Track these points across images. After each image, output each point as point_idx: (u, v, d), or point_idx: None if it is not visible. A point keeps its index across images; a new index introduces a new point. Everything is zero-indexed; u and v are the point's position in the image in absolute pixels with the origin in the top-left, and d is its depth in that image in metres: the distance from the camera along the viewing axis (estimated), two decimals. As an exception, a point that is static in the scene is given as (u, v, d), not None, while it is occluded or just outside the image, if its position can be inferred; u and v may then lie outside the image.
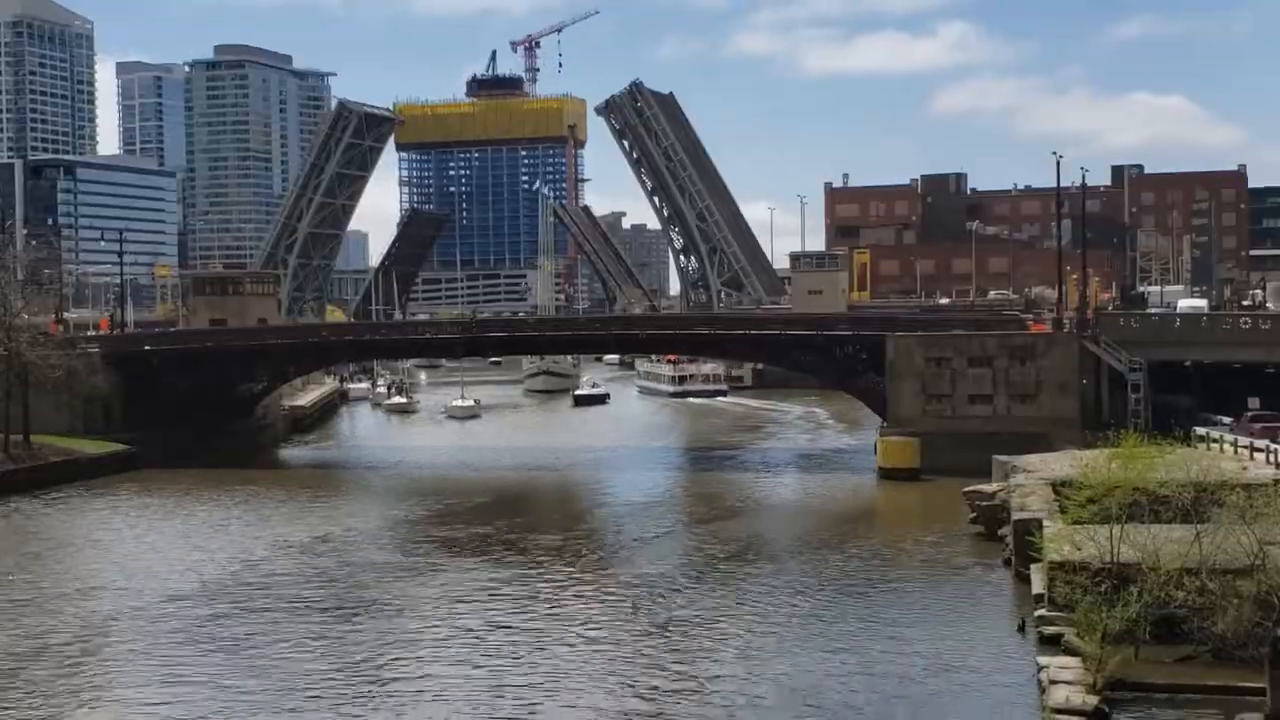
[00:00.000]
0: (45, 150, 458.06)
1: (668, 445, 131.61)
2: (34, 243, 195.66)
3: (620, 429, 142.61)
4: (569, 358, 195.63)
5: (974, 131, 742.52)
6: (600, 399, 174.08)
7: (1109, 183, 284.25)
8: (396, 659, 49.33)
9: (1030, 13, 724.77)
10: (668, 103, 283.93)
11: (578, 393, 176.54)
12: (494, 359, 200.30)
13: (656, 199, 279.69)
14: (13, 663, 49.31)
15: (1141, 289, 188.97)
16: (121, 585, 62.88)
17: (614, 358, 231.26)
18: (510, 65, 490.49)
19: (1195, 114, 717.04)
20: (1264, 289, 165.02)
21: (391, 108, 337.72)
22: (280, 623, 54.99)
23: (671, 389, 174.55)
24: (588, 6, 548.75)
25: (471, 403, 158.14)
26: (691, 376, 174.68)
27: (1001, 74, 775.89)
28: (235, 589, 61.55)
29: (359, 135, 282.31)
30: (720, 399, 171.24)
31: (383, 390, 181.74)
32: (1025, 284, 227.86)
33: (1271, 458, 66.55)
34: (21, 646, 51.59)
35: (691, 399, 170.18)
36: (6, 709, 44.14)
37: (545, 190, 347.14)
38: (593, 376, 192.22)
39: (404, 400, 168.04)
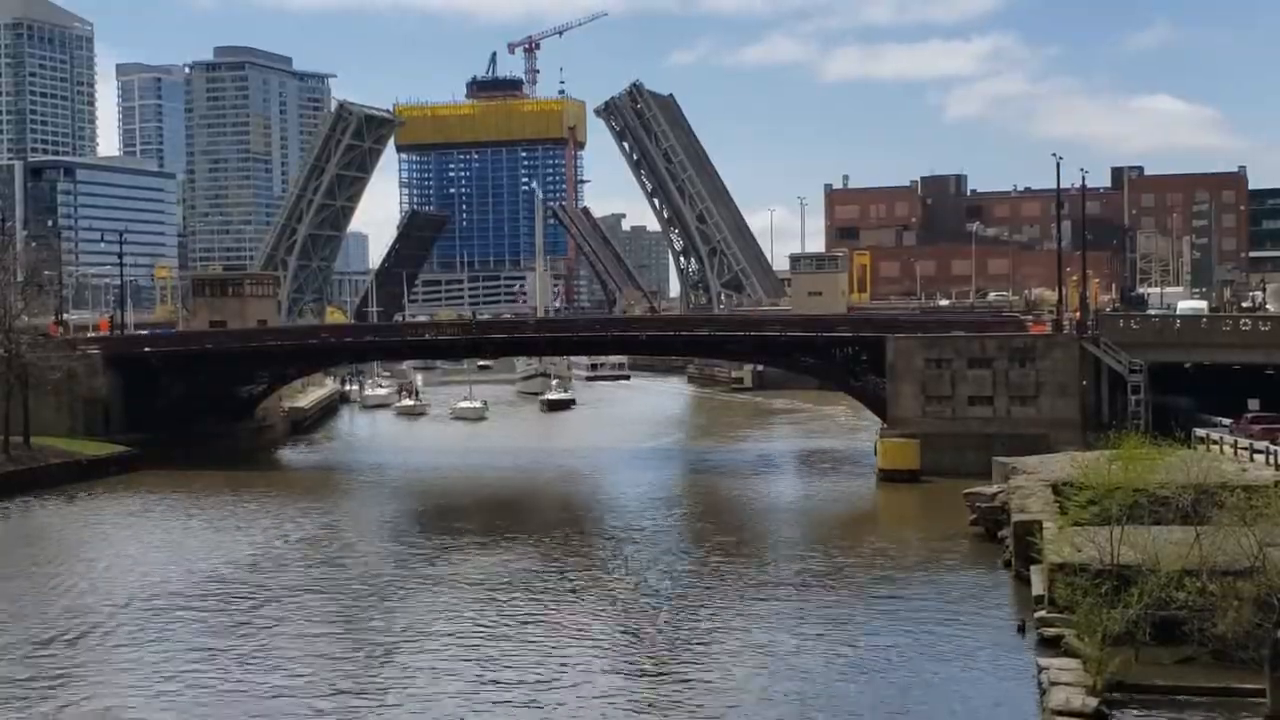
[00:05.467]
0: (45, 151, 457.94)
1: (671, 445, 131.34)
2: (34, 244, 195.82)
3: (621, 429, 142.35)
4: (565, 360, 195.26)
5: (981, 136, 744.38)
6: (566, 404, 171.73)
7: (1109, 184, 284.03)
8: (404, 662, 49.40)
9: (1058, 20, 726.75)
10: (668, 105, 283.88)
11: (546, 397, 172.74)
12: (482, 363, 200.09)
13: (656, 200, 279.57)
14: (16, 661, 49.35)
15: (1141, 290, 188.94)
16: (123, 584, 62.86)
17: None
18: (510, 67, 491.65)
19: (1203, 120, 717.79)
20: (1264, 290, 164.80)
21: (391, 109, 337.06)
22: (282, 620, 55.10)
23: (588, 374, 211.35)
24: (593, 9, 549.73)
25: (479, 404, 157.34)
26: (603, 364, 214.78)
27: (1013, 80, 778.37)
28: (237, 588, 61.56)
29: (359, 137, 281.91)
30: (623, 381, 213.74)
31: (372, 393, 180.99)
32: (1025, 285, 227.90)
33: (1271, 459, 66.58)
34: (25, 645, 51.63)
35: (601, 381, 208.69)
36: (13, 704, 44.25)
37: (538, 190, 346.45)
38: (563, 381, 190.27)
39: (412, 402, 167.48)
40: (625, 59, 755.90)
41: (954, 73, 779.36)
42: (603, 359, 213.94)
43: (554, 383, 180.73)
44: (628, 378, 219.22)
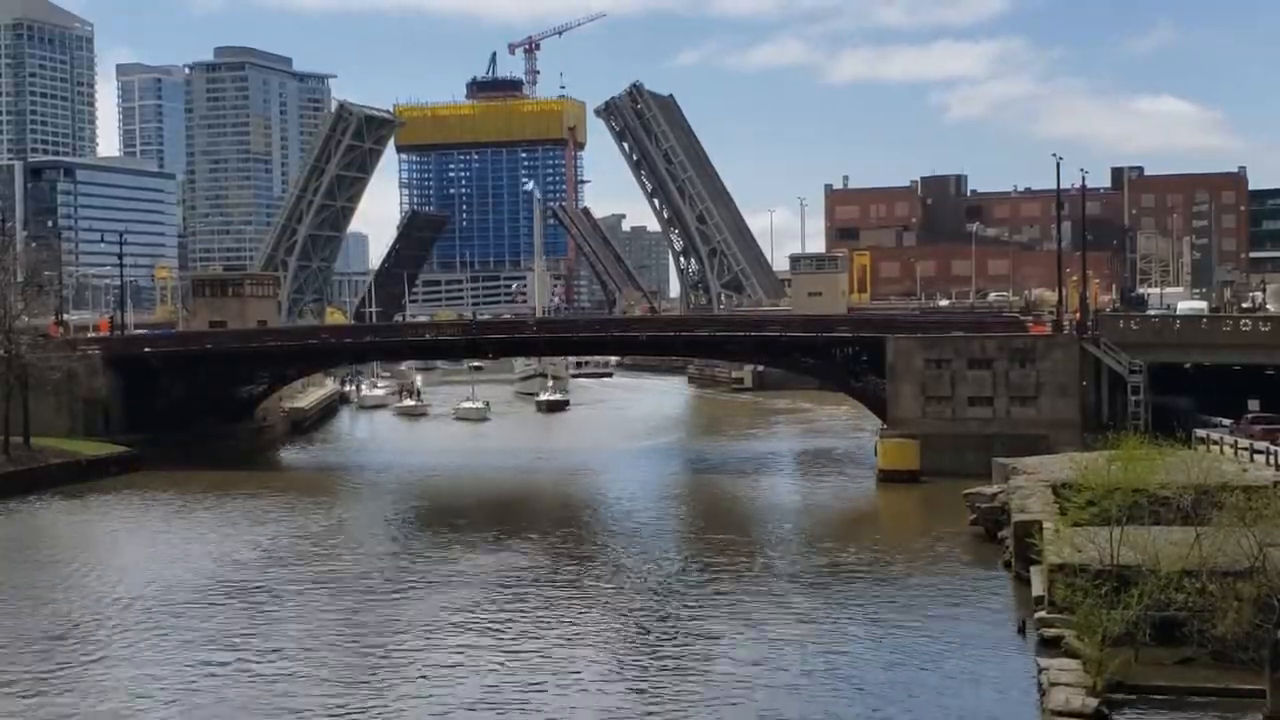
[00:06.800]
0: (45, 152, 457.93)
1: (671, 445, 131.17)
2: (34, 244, 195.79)
3: (622, 430, 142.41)
4: (564, 360, 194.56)
5: (982, 137, 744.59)
6: (561, 405, 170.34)
7: (1109, 185, 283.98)
8: (408, 661, 49.43)
9: (1066, 22, 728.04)
10: (668, 105, 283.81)
11: (541, 398, 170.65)
12: (474, 364, 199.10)
13: (656, 201, 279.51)
14: (18, 662, 49.39)
15: (1141, 291, 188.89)
16: (124, 584, 62.87)
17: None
18: (510, 67, 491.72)
19: (1204, 120, 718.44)
20: (1264, 291, 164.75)
21: (391, 109, 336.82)
22: (285, 619, 55.17)
23: (574, 371, 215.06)
24: (594, 10, 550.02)
25: (481, 404, 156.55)
26: (587, 363, 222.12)
27: (1017, 81, 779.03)
28: (238, 588, 61.56)
29: (359, 137, 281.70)
30: (606, 379, 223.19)
31: (370, 393, 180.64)
32: (1025, 286, 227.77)
33: (1271, 460, 66.54)
34: (27, 646, 51.65)
35: (585, 378, 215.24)
36: (14, 704, 44.36)
37: (535, 191, 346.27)
38: (560, 382, 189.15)
39: (413, 403, 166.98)
40: (628, 60, 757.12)
41: (959, 74, 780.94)
42: (585, 358, 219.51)
43: (550, 384, 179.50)
44: (610, 375, 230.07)
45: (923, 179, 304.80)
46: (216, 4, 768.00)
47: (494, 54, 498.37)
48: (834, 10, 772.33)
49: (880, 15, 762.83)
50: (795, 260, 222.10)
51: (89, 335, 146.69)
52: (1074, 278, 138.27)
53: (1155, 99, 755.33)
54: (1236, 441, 73.89)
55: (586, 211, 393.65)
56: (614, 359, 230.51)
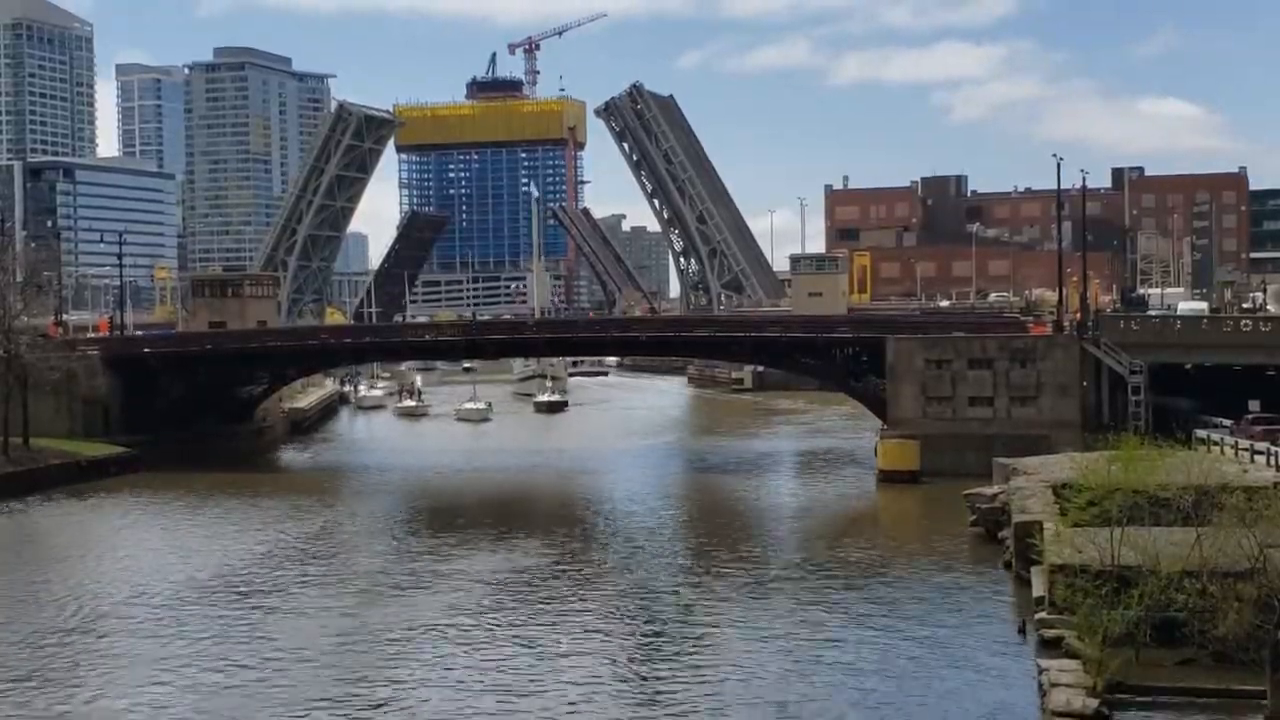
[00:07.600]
0: (45, 152, 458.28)
1: (671, 446, 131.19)
2: (33, 245, 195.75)
3: (622, 431, 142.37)
4: (563, 361, 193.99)
5: (983, 139, 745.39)
6: (560, 406, 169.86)
7: (1109, 185, 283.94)
8: (407, 661, 49.39)
9: (1071, 25, 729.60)
10: (668, 105, 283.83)
11: (539, 399, 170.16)
12: (467, 364, 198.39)
13: (656, 201, 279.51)
14: (17, 662, 49.35)
15: (1142, 291, 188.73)
16: (123, 585, 62.81)
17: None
18: (510, 67, 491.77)
19: (1205, 123, 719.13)
20: (1264, 291, 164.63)
21: (391, 110, 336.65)
22: (285, 619, 55.08)
23: (570, 371, 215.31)
24: (595, 10, 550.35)
25: (484, 405, 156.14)
26: (582, 362, 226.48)
27: (1020, 83, 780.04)
28: (238, 589, 61.53)
29: (359, 137, 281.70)
30: (601, 377, 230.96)
31: (368, 394, 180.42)
32: (1025, 286, 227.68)
33: (1272, 460, 66.48)
34: (25, 646, 51.59)
35: (581, 378, 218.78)
36: (13, 704, 44.31)
37: (534, 191, 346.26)
38: (559, 382, 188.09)
39: (414, 403, 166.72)
40: (628, 60, 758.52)
41: (963, 75, 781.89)
42: (585, 358, 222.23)
43: (549, 384, 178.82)
44: (606, 374, 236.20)
45: (923, 179, 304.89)
46: (217, 4, 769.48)
47: (494, 54, 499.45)
48: (844, 11, 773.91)
49: (888, 16, 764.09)
50: (795, 261, 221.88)
51: (88, 335, 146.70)
52: (1074, 278, 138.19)
53: (1158, 101, 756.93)
54: (1237, 442, 73.86)
55: (586, 212, 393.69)
56: (612, 359, 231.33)
